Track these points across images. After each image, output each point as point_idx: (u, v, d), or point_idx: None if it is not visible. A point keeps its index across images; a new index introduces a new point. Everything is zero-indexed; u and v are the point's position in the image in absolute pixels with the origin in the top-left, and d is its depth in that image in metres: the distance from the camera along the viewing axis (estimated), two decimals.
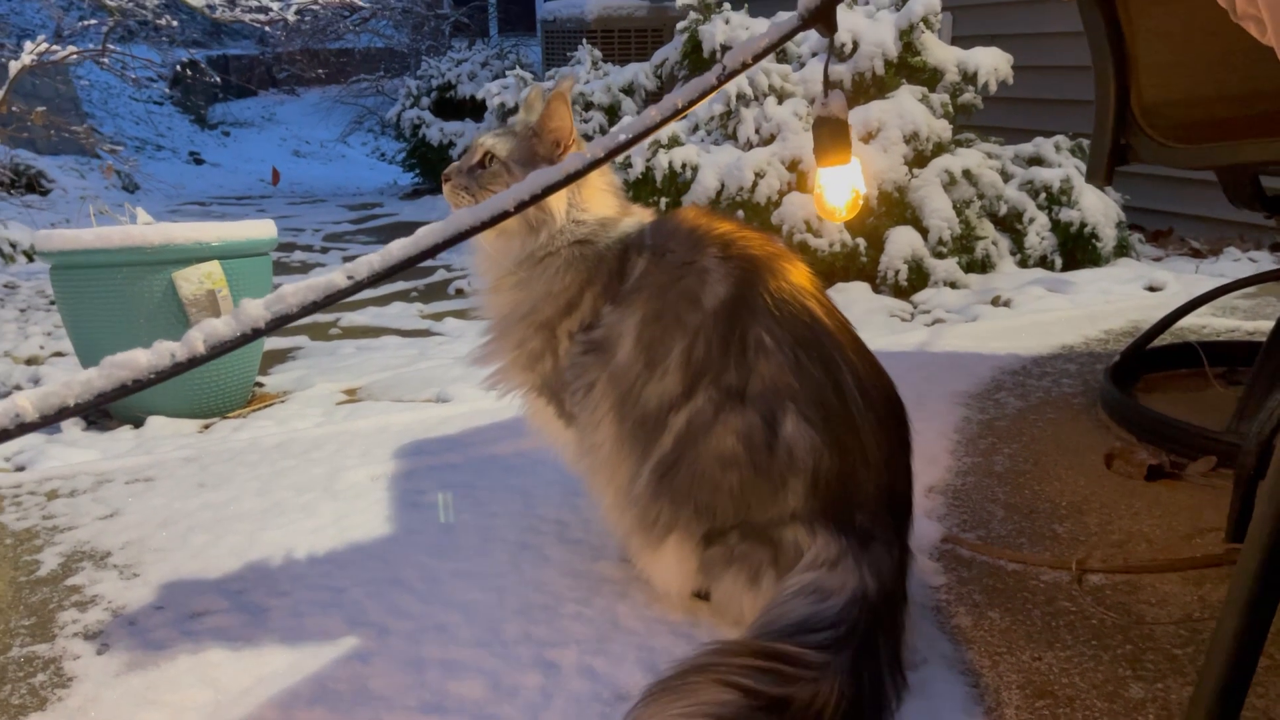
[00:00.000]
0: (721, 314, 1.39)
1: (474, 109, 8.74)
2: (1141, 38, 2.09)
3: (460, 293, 4.80)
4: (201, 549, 1.82)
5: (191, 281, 2.53)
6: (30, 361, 3.51)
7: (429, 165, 8.84)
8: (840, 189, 1.54)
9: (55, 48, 3.35)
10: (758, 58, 1.37)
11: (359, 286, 0.99)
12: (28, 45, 3.24)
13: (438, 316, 4.26)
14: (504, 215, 1.10)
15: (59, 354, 3.63)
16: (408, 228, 7.04)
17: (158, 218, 7.97)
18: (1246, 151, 1.93)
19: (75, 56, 3.52)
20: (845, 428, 1.36)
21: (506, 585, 1.63)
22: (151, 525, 1.93)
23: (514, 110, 5.69)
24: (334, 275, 0.98)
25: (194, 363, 0.89)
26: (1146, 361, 2.51)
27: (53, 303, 4.48)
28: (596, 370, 1.45)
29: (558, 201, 1.50)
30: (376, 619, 1.54)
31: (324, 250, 6.27)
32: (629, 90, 5.57)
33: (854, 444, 1.36)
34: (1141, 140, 2.09)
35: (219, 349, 0.90)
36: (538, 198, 1.14)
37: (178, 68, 10.85)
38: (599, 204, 1.53)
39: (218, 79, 10.96)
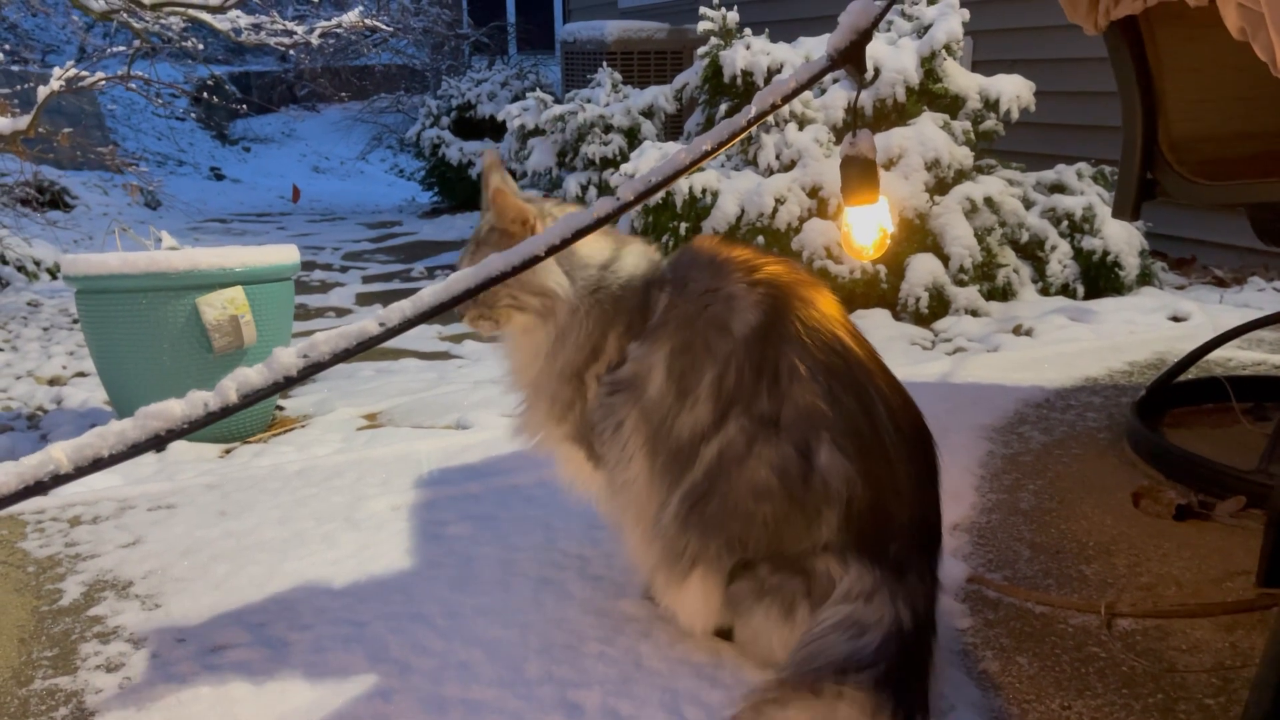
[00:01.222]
0: (753, 340, 1.38)
1: (493, 129, 8.77)
2: (1170, 74, 2.08)
3: None
4: (223, 579, 1.82)
5: (215, 307, 2.54)
6: (53, 382, 3.53)
7: (448, 184, 8.88)
8: (868, 228, 1.53)
9: (84, 73, 3.38)
10: (787, 99, 1.37)
11: (391, 333, 0.99)
12: (56, 70, 3.27)
13: (457, 339, 4.26)
14: (535, 260, 1.10)
15: (81, 374, 3.65)
16: (427, 246, 7.09)
17: (179, 235, 8.02)
18: (1276, 190, 1.91)
19: (104, 82, 3.56)
20: (878, 458, 1.35)
21: (529, 622, 1.62)
22: (174, 554, 1.93)
23: (535, 132, 5.71)
24: (367, 323, 0.98)
25: (226, 412, 0.89)
26: (1173, 396, 2.48)
27: (75, 321, 4.51)
28: (626, 408, 1.45)
29: (556, 278, 1.48)
30: (399, 655, 1.54)
31: (343, 269, 6.29)
32: (648, 113, 5.58)
33: (886, 474, 1.35)
34: (1169, 176, 2.07)
35: (251, 398, 0.90)
36: (568, 242, 1.14)
37: (206, 82, 10.96)
38: (596, 251, 1.51)
39: (239, 96, 11.07)
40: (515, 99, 9.00)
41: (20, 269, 5.20)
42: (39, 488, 0.78)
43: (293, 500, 2.16)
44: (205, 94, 8.30)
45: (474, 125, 8.83)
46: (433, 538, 1.96)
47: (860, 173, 1.50)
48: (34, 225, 6.21)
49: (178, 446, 2.65)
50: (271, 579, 1.81)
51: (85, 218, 7.90)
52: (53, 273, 5.44)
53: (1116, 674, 1.44)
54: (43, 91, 3.22)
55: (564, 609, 1.66)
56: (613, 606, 1.66)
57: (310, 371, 0.92)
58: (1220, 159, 2.11)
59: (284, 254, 2.73)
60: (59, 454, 0.79)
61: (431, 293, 1.00)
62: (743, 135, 1.32)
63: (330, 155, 15.60)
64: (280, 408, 3.02)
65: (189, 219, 9.04)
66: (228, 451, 2.69)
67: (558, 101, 6.46)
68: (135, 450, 0.83)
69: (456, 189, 8.78)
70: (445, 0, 14.40)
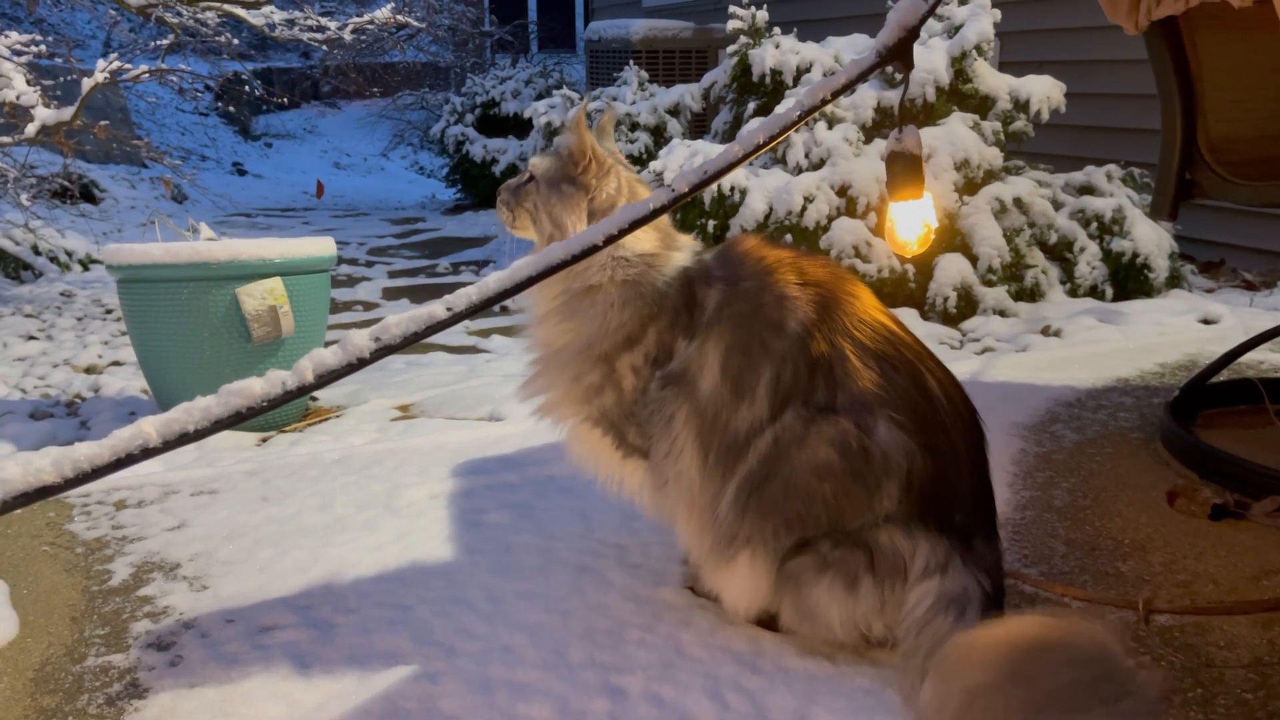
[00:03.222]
0: (807, 339, 1.42)
1: (517, 126, 8.81)
2: (1208, 73, 2.09)
3: (505, 310, 4.84)
4: (268, 563, 1.85)
5: (254, 297, 2.58)
6: (90, 370, 3.58)
7: (471, 181, 8.92)
8: (912, 223, 1.55)
9: (127, 65, 3.43)
10: (837, 94, 1.39)
11: (458, 318, 1.02)
12: (100, 63, 3.32)
13: (484, 333, 4.29)
14: (593, 249, 1.13)
15: (117, 363, 3.69)
16: (451, 243, 7.13)
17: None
18: None
19: (146, 76, 3.61)
20: (936, 429, 1.40)
21: (570, 609, 1.64)
22: (218, 538, 1.96)
23: (560, 130, 5.74)
24: (434, 308, 1.01)
25: (303, 390, 0.92)
26: (1205, 397, 2.48)
27: (109, 312, 4.57)
28: (677, 402, 1.47)
29: (569, 223, 1.57)
30: (444, 639, 1.56)
31: (369, 264, 6.33)
32: (674, 111, 5.60)
33: (945, 444, 1.40)
34: (1207, 176, 2.08)
35: (326, 378, 0.93)
36: (625, 232, 1.16)
37: (237, 75, 11.04)
38: (639, 241, 1.54)
39: (262, 92, 11.14)
40: (539, 97, 9.03)
41: (53, 260, 5.26)
42: (130, 459, 0.80)
43: (332, 487, 2.19)
44: (239, 87, 8.36)
45: (498, 122, 8.86)
46: (472, 525, 1.99)
47: (906, 168, 1.52)
48: (65, 217, 6.28)
49: (216, 435, 2.68)
50: (315, 563, 1.84)
51: (114, 210, 7.97)
52: (84, 264, 5.50)
53: (1155, 669, 1.45)
54: (86, 83, 3.27)
55: (604, 596, 1.68)
56: (652, 594, 1.68)
57: (382, 354, 0.95)
58: (1259, 159, 2.12)
59: (321, 246, 2.76)
60: (149, 428, 0.82)
61: (496, 279, 1.03)
62: (794, 129, 1.34)
63: (352, 152, 15.69)
64: (314, 398, 3.06)
65: (215, 213, 9.12)
66: (265, 440, 2.72)
67: (583, 99, 6.49)
68: (218, 426, 0.86)
69: (479, 185, 8.81)
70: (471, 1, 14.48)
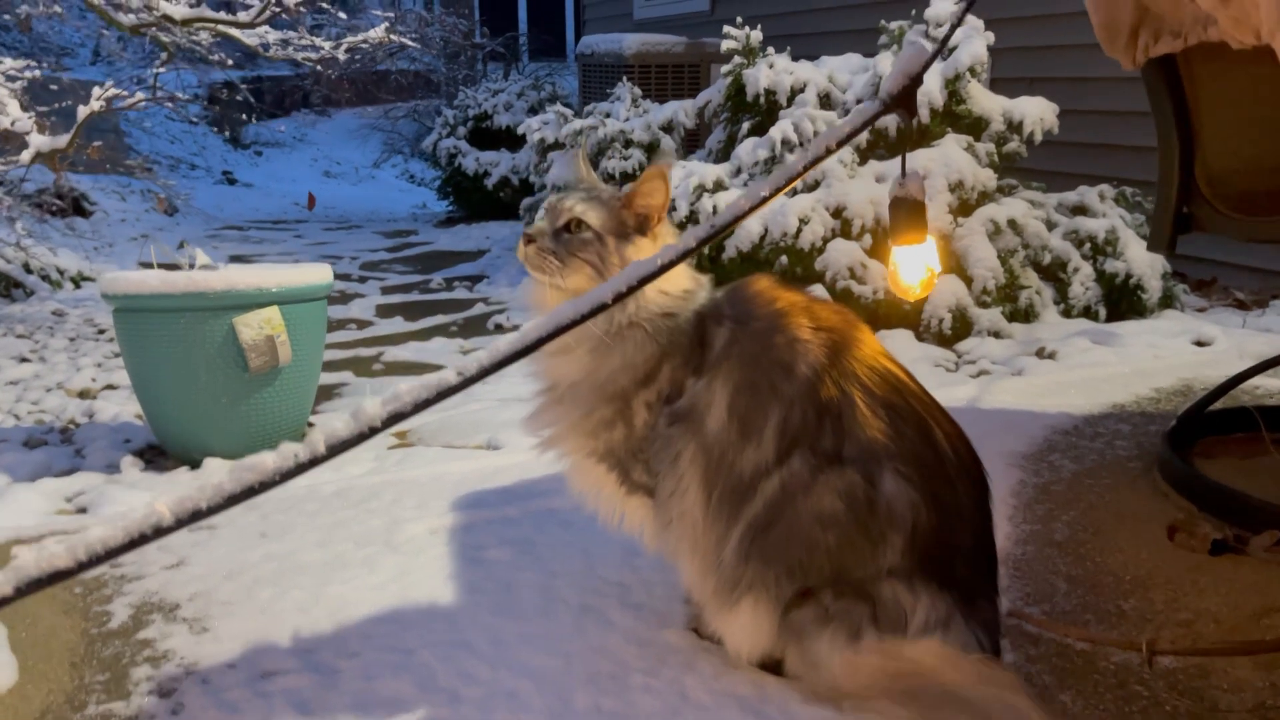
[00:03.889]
0: (816, 383, 1.42)
1: (510, 139, 8.81)
2: (1206, 107, 2.10)
3: (500, 328, 4.83)
4: (268, 603, 1.84)
5: (252, 327, 2.57)
6: (83, 394, 3.56)
7: (464, 194, 8.91)
8: (915, 267, 1.55)
9: (123, 93, 3.42)
10: (841, 144, 1.39)
11: (469, 382, 1.02)
12: (96, 90, 3.31)
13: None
14: (602, 308, 1.12)
15: (110, 386, 3.67)
16: (444, 257, 7.12)
17: (197, 242, 8.05)
18: None
19: (144, 103, 3.60)
20: (942, 483, 1.41)
21: (573, 651, 1.64)
22: (217, 576, 1.95)
23: (555, 146, 5.74)
24: (446, 373, 1.01)
25: (315, 462, 0.92)
26: (1202, 425, 2.49)
27: (101, 331, 4.55)
28: (684, 440, 1.47)
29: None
30: (447, 684, 1.56)
31: (362, 280, 6.32)
32: (668, 128, 5.60)
33: (951, 499, 1.41)
34: (1205, 210, 2.09)
35: (338, 448, 0.93)
36: (634, 289, 1.16)
37: (223, 85, 11.02)
38: (683, 278, 1.54)
39: (252, 100, 11.12)
40: (532, 110, 9.04)
41: (45, 278, 5.24)
42: (143, 539, 0.80)
43: (331, 522, 2.18)
44: (228, 96, 8.32)
45: (490, 135, 8.86)
46: (472, 562, 1.98)
47: (909, 214, 1.52)
48: (55, 233, 6.26)
49: (212, 463, 2.68)
50: (316, 603, 1.83)
51: (104, 224, 7.94)
52: (76, 282, 5.48)
53: (1160, 714, 1.45)
54: (82, 111, 3.26)
55: (607, 638, 1.68)
56: (655, 636, 1.68)
57: (393, 421, 0.95)
58: (1257, 192, 2.13)
59: (317, 274, 2.76)
60: (162, 508, 0.81)
61: (507, 342, 1.02)
62: (799, 179, 1.34)
63: (342, 160, 15.66)
64: (310, 423, 3.04)
65: (206, 225, 9.09)
66: None
67: (577, 115, 6.49)
68: (231, 501, 0.85)
69: (472, 198, 8.81)
70: (459, 10, 14.48)
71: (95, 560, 0.78)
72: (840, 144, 1.39)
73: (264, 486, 0.88)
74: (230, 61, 4.22)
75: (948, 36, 1.55)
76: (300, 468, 0.89)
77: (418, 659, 1.64)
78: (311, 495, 2.34)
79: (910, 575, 1.39)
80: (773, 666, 1.53)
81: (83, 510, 2.43)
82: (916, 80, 1.46)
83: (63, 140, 3.32)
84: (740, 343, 1.48)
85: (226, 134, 15.50)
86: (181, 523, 0.84)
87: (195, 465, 2.68)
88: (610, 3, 10.75)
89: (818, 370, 1.43)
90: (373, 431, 0.94)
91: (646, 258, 1.51)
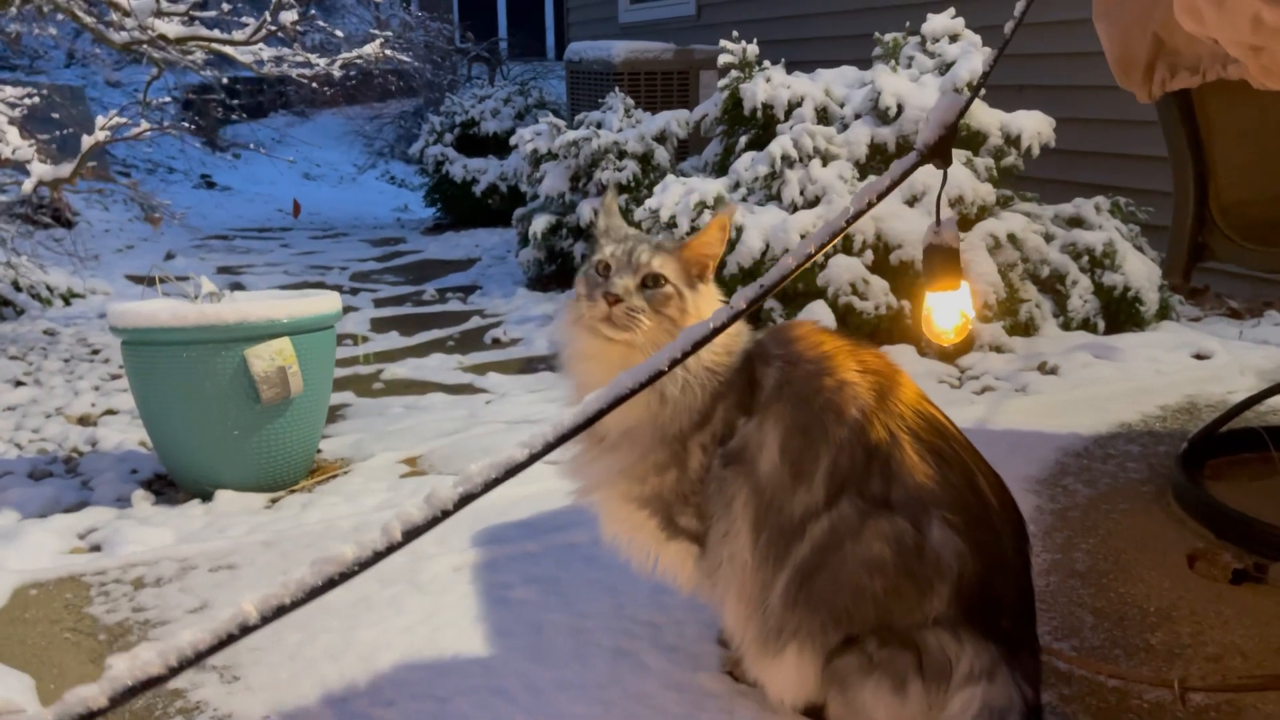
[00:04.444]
0: (866, 426, 1.43)
1: (497, 146, 8.78)
2: (1219, 137, 2.12)
3: (497, 343, 4.82)
4: (297, 649, 1.83)
5: (263, 359, 2.55)
6: (83, 420, 3.52)
7: (451, 201, 8.88)
8: (949, 313, 1.56)
9: (126, 120, 3.39)
10: (882, 196, 1.40)
11: (535, 458, 1.02)
12: (99, 119, 3.28)
13: (479, 370, 4.28)
14: (659, 374, 1.12)
15: (110, 411, 3.64)
16: (434, 266, 7.10)
17: (182, 253, 7.97)
18: None
19: (149, 134, 3.57)
20: (987, 531, 1.42)
21: (611, 699, 1.64)
22: None
23: (548, 156, 5.72)
24: (513, 451, 1.01)
25: (392, 549, 0.92)
26: (1211, 446, 2.52)
27: (95, 351, 4.51)
28: (738, 482, 1.47)
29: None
30: None
31: (354, 292, 6.29)
32: (661, 138, 5.61)
33: (995, 548, 1.42)
34: (1219, 240, 2.11)
35: (413, 534, 0.93)
36: (688, 354, 1.16)
37: (199, 87, 10.92)
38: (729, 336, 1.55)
39: (232, 102, 11.00)
40: (519, 116, 9.02)
41: (35, 296, 5.18)
42: (231, 639, 0.80)
43: None
44: (206, 99, 8.24)
45: (478, 142, 8.83)
46: (499, 602, 1.98)
47: (944, 260, 1.54)
48: (40, 246, 6.18)
49: (224, 496, 2.66)
50: (346, 649, 1.82)
51: (88, 234, 7.85)
52: (66, 299, 5.43)
53: None
54: (86, 141, 3.22)
55: (643, 683, 1.68)
56: (691, 680, 1.68)
57: (466, 502, 0.95)
58: (1271, 221, 2.15)
59: (327, 303, 2.74)
60: (249, 607, 0.81)
61: (571, 416, 1.03)
62: (842, 235, 1.35)
63: (321, 162, 15.57)
64: (319, 450, 3.02)
65: (190, 235, 9.01)
66: (274, 501, 2.70)
67: (569, 125, 6.48)
68: (314, 594, 0.86)
69: (460, 206, 8.78)
70: (439, 13, 14.41)
71: (186, 664, 0.78)
72: (881, 196, 1.39)
73: (344, 577, 0.88)
74: (206, 66, 4.19)
75: (979, 86, 1.56)
76: (378, 556, 0.89)
77: (454, 708, 1.63)
78: (329, 531, 2.33)
79: (955, 625, 1.39)
80: (814, 712, 1.54)
81: (96, 548, 2.41)
82: (952, 130, 1.47)
83: (66, 170, 3.29)
84: (791, 384, 1.48)
85: (204, 136, 15.34)
86: (266, 620, 0.83)
87: (207, 498, 2.66)
88: (595, 6, 10.74)
89: (866, 413, 1.44)
90: (445, 514, 0.94)
91: (706, 308, 1.53)
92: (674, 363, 1.14)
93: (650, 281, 1.49)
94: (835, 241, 1.33)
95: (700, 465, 1.51)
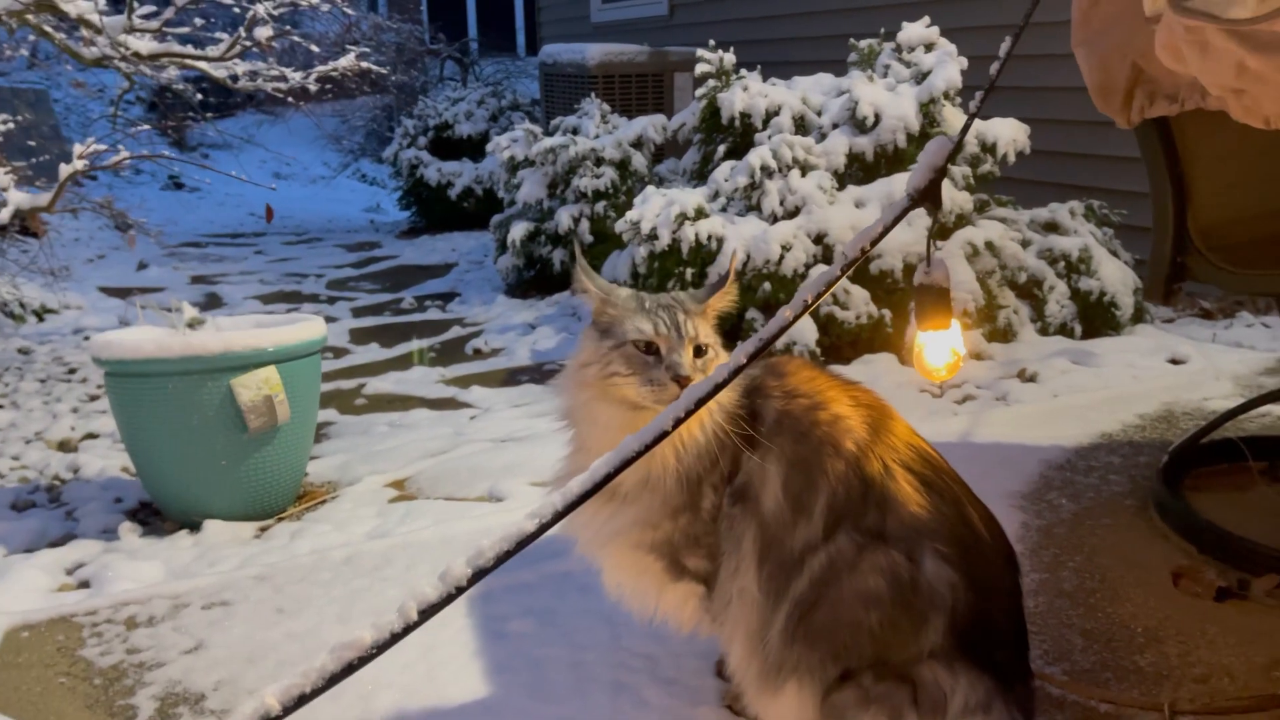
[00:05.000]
0: (862, 459, 1.46)
1: (471, 148, 8.76)
2: (1198, 162, 2.16)
3: (478, 353, 4.81)
4: None
5: (250, 388, 2.54)
6: (63, 445, 3.49)
7: (426, 204, 8.85)
8: (941, 351, 1.59)
9: (103, 147, 3.35)
10: (875, 242, 1.42)
11: (545, 528, 1.03)
12: (77, 148, 3.24)
13: (462, 383, 4.27)
14: (663, 435, 1.14)
15: (91, 435, 3.61)
16: (411, 272, 7.08)
17: (155, 261, 7.88)
18: None
19: (127, 162, 3.53)
20: (980, 563, 1.44)
21: None
22: (239, 661, 1.94)
23: (525, 163, 5.71)
24: (524, 522, 1.02)
25: (409, 629, 0.92)
26: (1191, 457, 2.56)
27: (72, 371, 4.46)
28: (747, 519, 1.49)
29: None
30: None
31: (331, 301, 6.25)
32: (637, 144, 5.61)
33: (987, 578, 1.44)
34: (1198, 262, 2.15)
35: (429, 612, 0.94)
36: (691, 413, 1.18)
37: (166, 85, 10.76)
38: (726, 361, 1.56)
39: (198, 98, 10.80)
40: (493, 118, 9.00)
41: (8, 313, 5.12)
42: None
43: (346, 593, 2.18)
44: (173, 98, 8.10)
45: (452, 145, 8.81)
46: (497, 636, 1.98)
47: (935, 300, 1.55)
48: (10, 261, 6.09)
49: (212, 526, 2.65)
50: (345, 688, 1.81)
51: (58, 243, 7.75)
52: (40, 315, 5.36)
53: None
54: (64, 169, 3.18)
55: (644, 719, 1.70)
56: (691, 715, 1.70)
57: (479, 577, 0.96)
58: (1248, 241, 2.19)
59: (312, 330, 2.73)
60: (271, 700, 0.82)
61: (579, 483, 1.04)
62: (837, 282, 1.36)
63: (292, 161, 15.43)
64: (305, 473, 3.01)
65: (162, 242, 8.92)
66: (263, 530, 2.69)
67: (543, 127, 6.47)
68: (333, 681, 0.86)
69: (435, 209, 8.76)
70: (408, 14, 14.31)
71: None
72: (874, 242, 1.41)
73: (363, 661, 0.89)
74: (196, 89, 4.14)
75: (966, 128, 1.58)
76: (396, 638, 0.90)
77: None
78: (322, 563, 2.32)
79: (950, 657, 1.41)
80: None
81: (85, 584, 2.40)
82: (941, 172, 1.49)
83: (44, 199, 3.25)
84: (790, 416, 1.50)
85: (171, 136, 15.16)
86: (289, 709, 0.84)
87: (195, 528, 2.65)
88: (568, 6, 10.70)
89: (861, 446, 1.46)
90: (459, 591, 0.95)
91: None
92: (677, 422, 1.15)
93: (699, 351, 1.50)
94: (828, 281, 1.35)
95: (712, 505, 1.52)
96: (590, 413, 1.53)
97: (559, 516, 1.02)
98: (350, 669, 0.86)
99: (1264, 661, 1.79)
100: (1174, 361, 3.61)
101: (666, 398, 1.42)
